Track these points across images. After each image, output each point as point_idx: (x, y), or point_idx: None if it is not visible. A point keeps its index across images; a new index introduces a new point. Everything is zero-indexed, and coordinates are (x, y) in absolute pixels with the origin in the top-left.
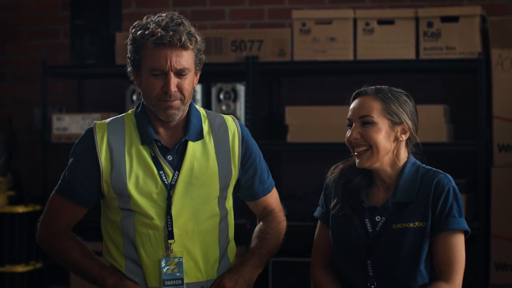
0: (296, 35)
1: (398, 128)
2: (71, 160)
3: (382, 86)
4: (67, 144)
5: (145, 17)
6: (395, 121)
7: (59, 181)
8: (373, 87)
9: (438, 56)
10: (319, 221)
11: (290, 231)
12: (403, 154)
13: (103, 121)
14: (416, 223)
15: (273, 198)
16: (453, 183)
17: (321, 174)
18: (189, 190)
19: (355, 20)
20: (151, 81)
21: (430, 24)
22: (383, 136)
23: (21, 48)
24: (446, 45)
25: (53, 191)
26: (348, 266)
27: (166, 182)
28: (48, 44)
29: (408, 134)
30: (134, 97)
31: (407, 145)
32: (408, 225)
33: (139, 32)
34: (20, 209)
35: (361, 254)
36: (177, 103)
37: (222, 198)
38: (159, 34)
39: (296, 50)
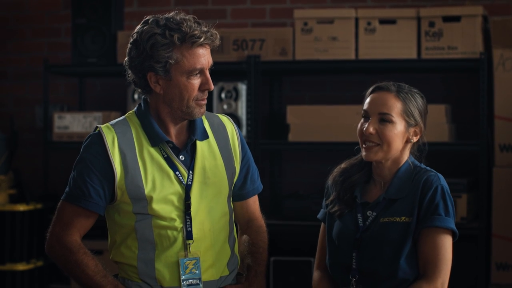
0: (298, 35)
1: (412, 130)
2: (80, 166)
3: (402, 84)
4: (68, 143)
5: (150, 21)
6: (410, 123)
7: (67, 190)
8: (395, 84)
9: (439, 56)
10: (322, 223)
11: (292, 231)
12: (406, 155)
13: (107, 124)
14: (403, 218)
15: (257, 203)
16: (443, 182)
17: (323, 173)
18: (203, 189)
19: (356, 19)
20: (191, 82)
21: (432, 24)
22: (398, 135)
23: (22, 46)
24: (448, 45)
25: (62, 201)
26: (334, 261)
27: (183, 183)
28: (50, 43)
29: (418, 137)
30: (136, 96)
31: (413, 145)
32: (395, 219)
33: (176, 35)
34: (21, 207)
35: (349, 247)
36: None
37: (229, 196)
38: (202, 35)
39: (298, 49)
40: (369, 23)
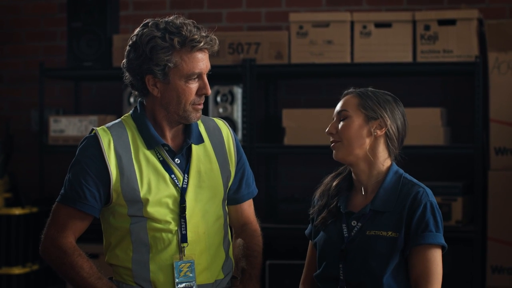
0: (293, 38)
1: (374, 123)
2: (76, 168)
3: (369, 88)
4: (64, 146)
5: (150, 24)
6: (370, 116)
7: (62, 192)
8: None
9: (435, 59)
10: (309, 240)
11: (287, 234)
12: (383, 155)
13: (102, 127)
14: (389, 233)
15: (252, 207)
16: (431, 198)
17: (318, 177)
18: (198, 193)
19: (352, 23)
20: (188, 87)
21: (427, 27)
22: (354, 129)
23: (18, 50)
24: (443, 48)
25: (57, 203)
26: (322, 272)
27: (179, 186)
28: (46, 47)
29: (384, 130)
30: (132, 100)
31: (387, 145)
32: (381, 233)
33: (176, 39)
34: (17, 211)
35: (335, 258)
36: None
37: (224, 200)
38: (202, 39)
39: (293, 53)
40: (364, 27)
